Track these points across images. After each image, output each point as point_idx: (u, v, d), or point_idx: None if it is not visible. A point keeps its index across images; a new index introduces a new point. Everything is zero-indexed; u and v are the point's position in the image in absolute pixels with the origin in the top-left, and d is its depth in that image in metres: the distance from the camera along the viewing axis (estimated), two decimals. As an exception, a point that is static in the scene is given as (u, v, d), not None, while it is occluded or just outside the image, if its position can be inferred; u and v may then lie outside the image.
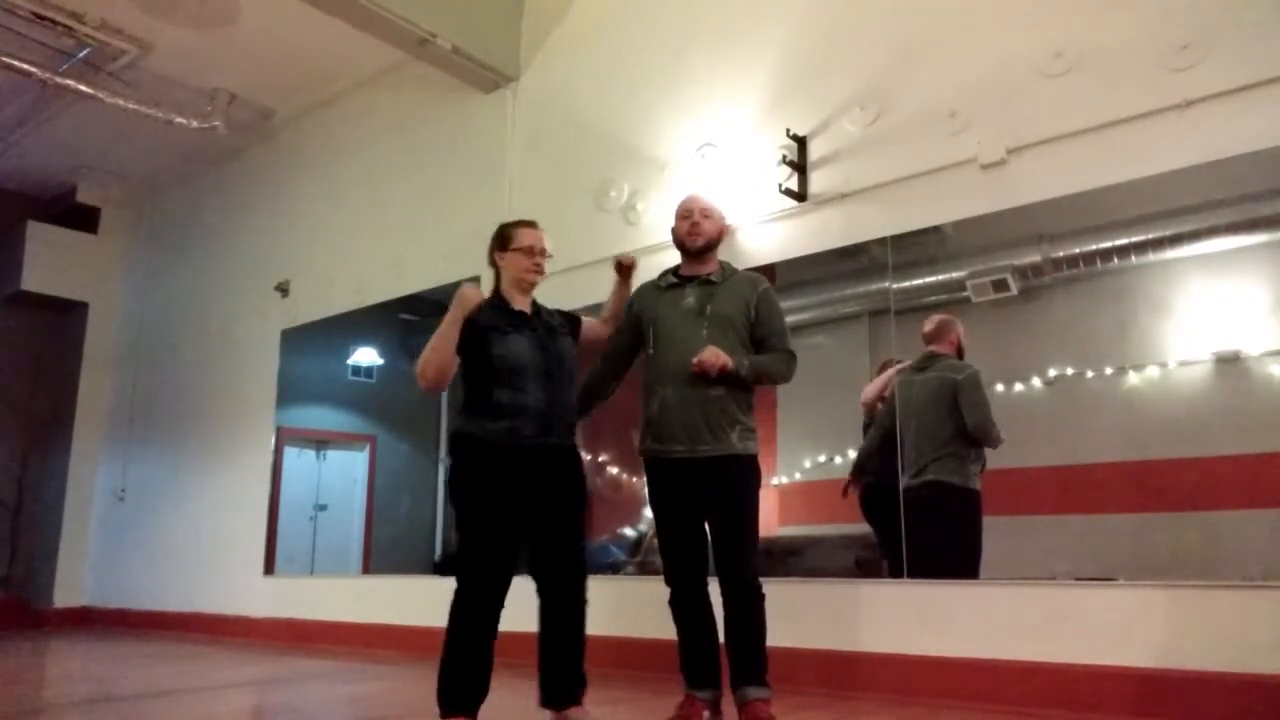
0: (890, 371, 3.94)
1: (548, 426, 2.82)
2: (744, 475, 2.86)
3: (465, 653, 2.68)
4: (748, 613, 2.82)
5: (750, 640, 2.81)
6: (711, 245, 3.05)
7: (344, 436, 6.84)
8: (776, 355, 2.95)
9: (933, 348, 3.85)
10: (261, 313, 7.04)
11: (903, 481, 3.76)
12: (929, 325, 3.86)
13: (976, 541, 3.61)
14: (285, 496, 6.64)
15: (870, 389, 4.01)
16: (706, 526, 2.91)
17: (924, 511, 3.72)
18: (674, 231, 3.11)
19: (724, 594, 2.85)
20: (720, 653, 2.92)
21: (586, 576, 2.90)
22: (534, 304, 3.00)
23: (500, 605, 2.72)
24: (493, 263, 3.02)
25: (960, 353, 3.81)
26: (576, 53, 5.43)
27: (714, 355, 2.80)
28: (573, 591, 2.85)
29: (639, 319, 3.06)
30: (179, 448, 7.63)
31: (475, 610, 2.69)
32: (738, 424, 2.86)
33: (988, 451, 3.65)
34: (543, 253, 2.97)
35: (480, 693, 2.71)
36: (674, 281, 3.05)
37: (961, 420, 3.70)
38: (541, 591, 2.84)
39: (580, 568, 2.88)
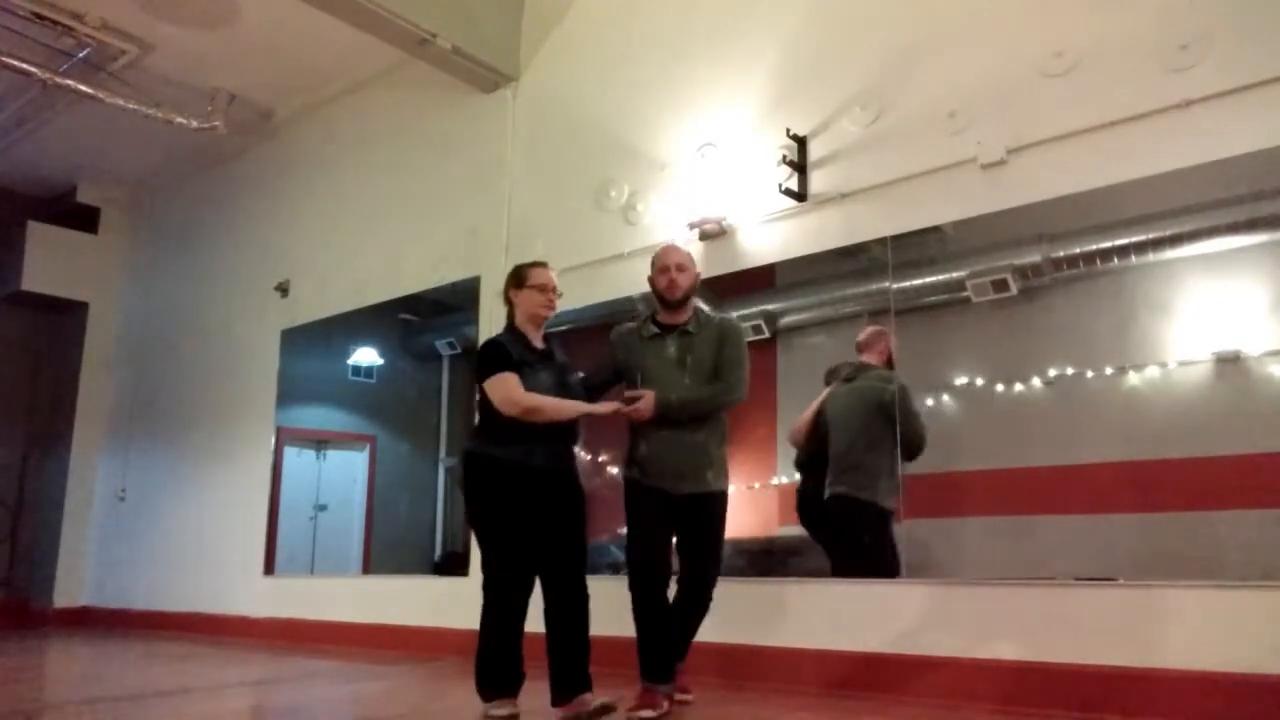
0: (816, 401, 4.04)
1: (557, 451, 3.15)
2: (715, 508, 3.25)
3: (501, 650, 3.02)
4: (696, 615, 3.26)
5: (687, 636, 3.30)
6: (688, 296, 3.30)
7: (344, 436, 6.84)
8: (713, 386, 3.21)
9: (864, 357, 3.93)
10: (261, 313, 7.03)
11: (826, 490, 3.94)
12: (862, 335, 3.97)
13: (887, 557, 3.72)
14: (285, 496, 6.64)
15: (800, 424, 4.08)
16: (674, 539, 3.28)
17: (835, 523, 3.93)
18: (652, 283, 3.34)
19: (680, 591, 3.22)
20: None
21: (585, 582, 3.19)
22: (545, 339, 3.31)
23: (526, 606, 3.06)
24: (507, 300, 3.29)
25: (890, 363, 3.88)
26: (576, 53, 5.43)
27: (635, 412, 3.16)
28: (580, 598, 3.12)
29: (625, 364, 3.35)
30: (179, 448, 7.63)
31: (506, 615, 3.02)
32: (713, 464, 3.22)
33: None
34: (554, 290, 3.25)
35: (519, 680, 3.05)
36: (655, 332, 3.33)
37: (879, 433, 3.78)
38: (552, 597, 3.11)
39: (583, 575, 3.16)
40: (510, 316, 3.27)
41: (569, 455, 3.23)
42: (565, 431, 3.17)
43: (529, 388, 3.04)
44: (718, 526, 3.24)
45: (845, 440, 3.93)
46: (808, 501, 4.10)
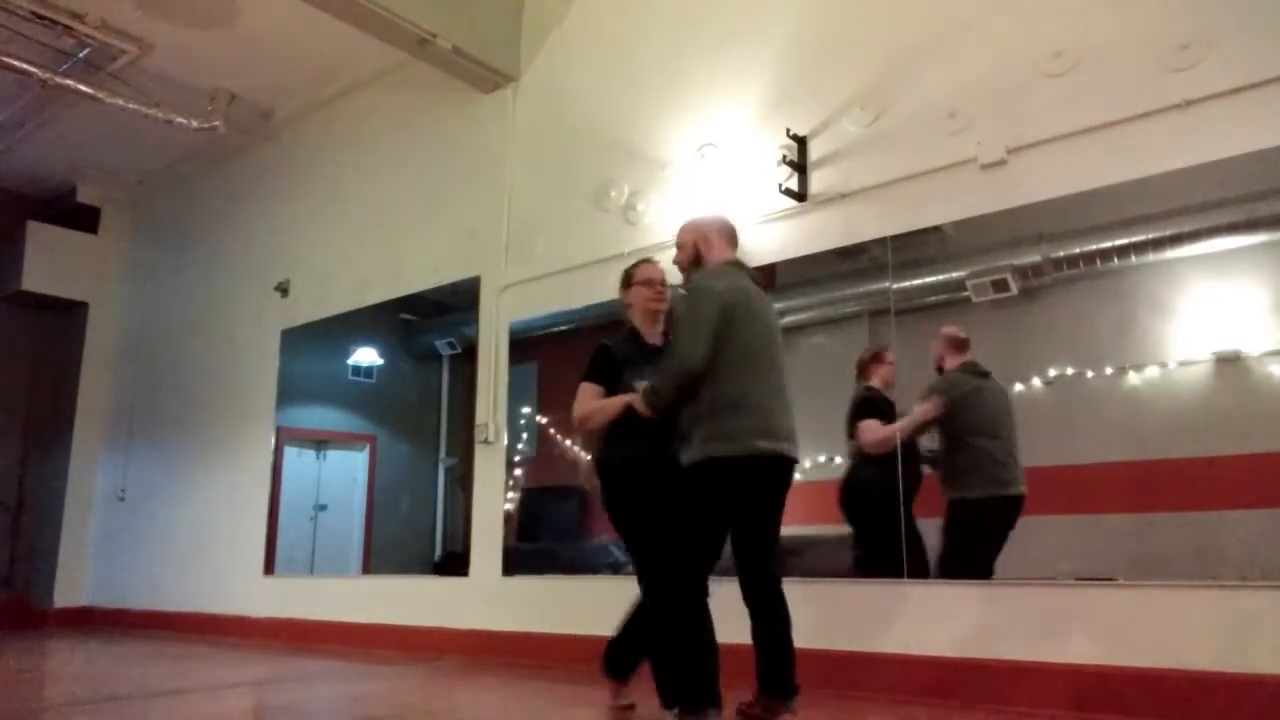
0: (929, 407, 3.80)
1: (661, 446, 3.06)
2: (679, 485, 2.93)
3: (701, 655, 2.83)
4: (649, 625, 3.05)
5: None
6: (699, 265, 3.06)
7: (344, 436, 6.84)
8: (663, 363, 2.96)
9: (968, 355, 3.75)
10: (261, 313, 7.04)
11: (1014, 490, 3.60)
12: (960, 332, 3.76)
13: None
14: (285, 496, 6.64)
15: (903, 427, 3.81)
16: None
17: (1011, 521, 3.60)
18: None
19: None
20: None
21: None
22: (665, 337, 3.22)
23: (705, 601, 2.88)
24: (625, 303, 3.32)
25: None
26: (576, 53, 5.43)
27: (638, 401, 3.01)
28: None
29: None
30: (179, 448, 7.63)
31: (694, 617, 2.86)
32: (682, 442, 2.93)
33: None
34: (663, 283, 3.25)
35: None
36: None
37: None
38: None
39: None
40: (629, 318, 3.30)
41: (673, 449, 3.12)
42: (665, 426, 3.05)
43: (635, 385, 3.02)
44: (679, 505, 2.87)
45: (1010, 437, 3.64)
46: (861, 494, 3.95)
